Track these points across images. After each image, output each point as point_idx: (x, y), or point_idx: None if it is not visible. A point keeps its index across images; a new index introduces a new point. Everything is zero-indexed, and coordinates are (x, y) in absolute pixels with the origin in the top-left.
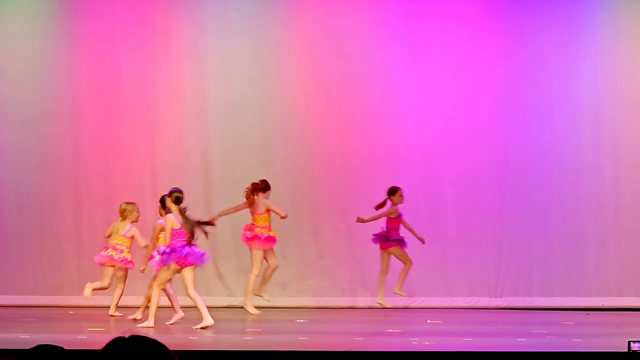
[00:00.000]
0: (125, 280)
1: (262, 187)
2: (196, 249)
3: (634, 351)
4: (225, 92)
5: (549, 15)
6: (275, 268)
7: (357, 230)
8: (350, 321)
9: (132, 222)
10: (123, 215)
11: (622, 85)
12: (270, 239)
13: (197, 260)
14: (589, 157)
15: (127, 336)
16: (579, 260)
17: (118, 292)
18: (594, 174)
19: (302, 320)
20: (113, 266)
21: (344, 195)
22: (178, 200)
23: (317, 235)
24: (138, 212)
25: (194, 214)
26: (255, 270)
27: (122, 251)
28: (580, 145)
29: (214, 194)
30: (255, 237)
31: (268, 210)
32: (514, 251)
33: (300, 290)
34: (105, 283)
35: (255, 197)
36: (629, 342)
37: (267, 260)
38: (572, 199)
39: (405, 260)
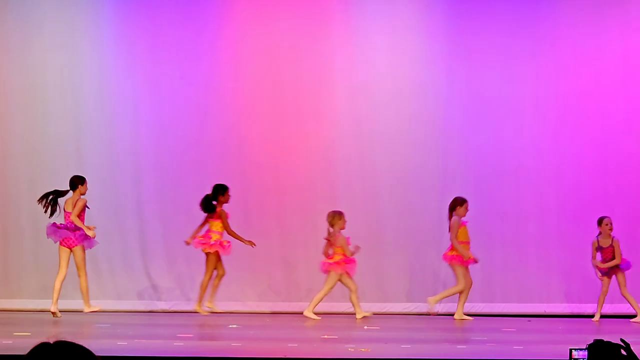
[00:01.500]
0: None
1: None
2: None
3: (576, 359)
4: (157, 91)
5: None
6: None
7: (291, 233)
8: (284, 327)
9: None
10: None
11: (564, 89)
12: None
13: None
14: (529, 161)
15: (52, 342)
16: (520, 266)
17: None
18: (533, 178)
19: (234, 326)
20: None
21: (276, 197)
22: None
23: (250, 238)
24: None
25: (125, 217)
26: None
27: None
28: (519, 149)
29: (145, 194)
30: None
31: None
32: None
33: (233, 295)
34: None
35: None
36: (571, 350)
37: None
38: (513, 204)
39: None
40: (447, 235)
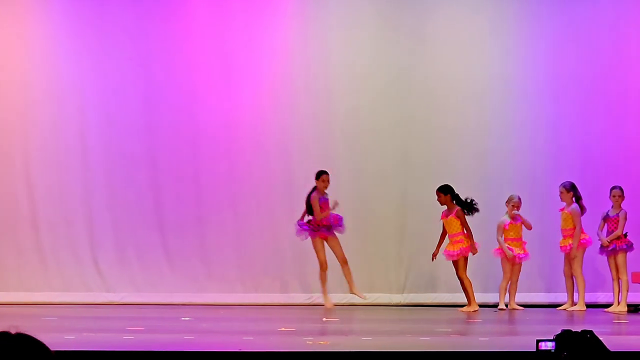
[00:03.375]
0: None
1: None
2: None
3: (543, 350)
4: (104, 73)
5: None
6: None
7: (246, 223)
8: (240, 319)
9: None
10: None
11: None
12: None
13: None
14: (493, 143)
15: (12, 332)
16: (486, 255)
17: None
18: (498, 162)
19: (187, 318)
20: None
21: (231, 187)
22: None
23: (203, 229)
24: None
25: (72, 204)
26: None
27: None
28: (483, 132)
29: (93, 181)
30: None
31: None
32: (417, 245)
33: (186, 287)
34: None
35: None
36: (537, 341)
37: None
38: (478, 189)
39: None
40: (410, 222)
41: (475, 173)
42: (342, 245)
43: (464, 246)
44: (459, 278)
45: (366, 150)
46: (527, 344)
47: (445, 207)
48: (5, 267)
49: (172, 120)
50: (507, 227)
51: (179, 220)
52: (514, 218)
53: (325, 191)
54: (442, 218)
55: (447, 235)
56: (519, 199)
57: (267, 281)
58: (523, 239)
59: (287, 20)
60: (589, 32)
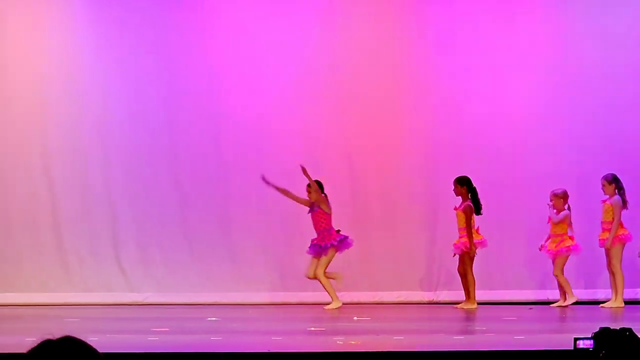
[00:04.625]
0: None
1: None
2: None
3: (581, 348)
4: (126, 70)
5: None
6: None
7: (272, 220)
8: (268, 319)
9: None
10: None
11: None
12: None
13: None
14: (528, 136)
15: (55, 338)
16: (521, 250)
17: None
18: (531, 157)
19: (214, 318)
20: None
21: (255, 183)
22: None
23: (228, 226)
24: None
25: (93, 203)
26: None
27: None
28: (516, 126)
29: (114, 179)
30: None
31: None
32: (449, 242)
33: (212, 286)
34: None
35: None
36: (575, 339)
37: None
38: (510, 186)
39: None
40: (441, 219)
41: (512, 168)
42: (372, 242)
43: (466, 241)
44: (459, 272)
45: (396, 146)
46: (564, 342)
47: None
48: (26, 268)
49: (195, 116)
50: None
51: (203, 218)
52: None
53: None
54: (454, 209)
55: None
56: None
57: (295, 279)
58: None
59: (312, 14)
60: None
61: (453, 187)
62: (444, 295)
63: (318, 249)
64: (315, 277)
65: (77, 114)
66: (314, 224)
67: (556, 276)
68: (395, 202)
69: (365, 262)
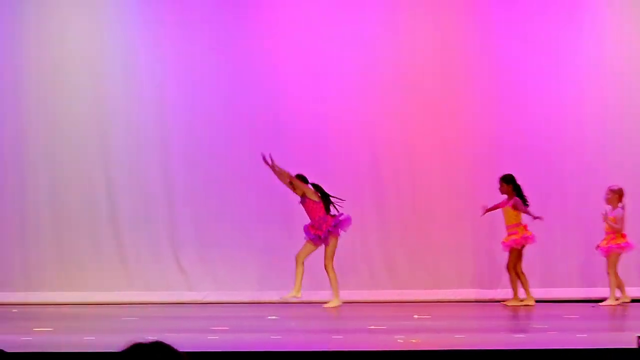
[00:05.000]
0: None
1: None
2: None
3: None
4: (187, 68)
5: None
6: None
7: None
8: (327, 317)
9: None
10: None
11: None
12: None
13: None
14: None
15: (146, 342)
16: (583, 247)
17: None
18: (592, 156)
19: (273, 317)
20: None
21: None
22: None
23: (289, 224)
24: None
25: (153, 202)
26: None
27: None
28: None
29: (174, 178)
30: None
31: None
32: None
33: (271, 284)
34: None
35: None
36: (639, 337)
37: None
38: (575, 184)
39: None
40: (500, 215)
41: (576, 166)
42: (433, 239)
43: (517, 238)
44: (507, 269)
45: (457, 144)
46: (627, 341)
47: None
48: (85, 267)
49: (256, 115)
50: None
51: (263, 216)
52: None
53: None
54: (500, 206)
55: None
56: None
57: (355, 277)
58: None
59: (375, 12)
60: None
61: (499, 185)
62: (505, 293)
63: (317, 239)
64: (299, 261)
65: (136, 113)
66: (308, 214)
67: (608, 274)
68: (456, 199)
69: (426, 260)
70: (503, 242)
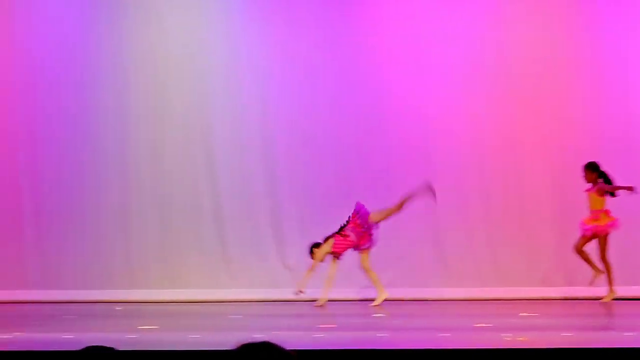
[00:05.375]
0: None
1: None
2: None
3: None
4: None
5: None
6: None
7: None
8: (433, 315)
9: None
10: None
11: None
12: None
13: None
14: None
15: (255, 342)
16: None
17: None
18: None
19: (379, 315)
20: None
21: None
22: None
23: (395, 221)
24: None
25: (256, 198)
26: None
27: None
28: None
29: (279, 187)
30: None
31: None
32: (624, 235)
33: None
34: None
35: None
36: None
37: None
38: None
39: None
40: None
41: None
42: (540, 238)
43: (601, 224)
44: (600, 259)
45: (564, 143)
46: None
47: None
48: (189, 264)
49: (359, 114)
50: None
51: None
52: None
53: None
54: (586, 190)
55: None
56: None
57: (461, 274)
58: None
59: (480, 10)
60: None
61: (583, 173)
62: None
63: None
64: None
65: (239, 111)
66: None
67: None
68: (564, 198)
69: (533, 258)
70: (583, 223)
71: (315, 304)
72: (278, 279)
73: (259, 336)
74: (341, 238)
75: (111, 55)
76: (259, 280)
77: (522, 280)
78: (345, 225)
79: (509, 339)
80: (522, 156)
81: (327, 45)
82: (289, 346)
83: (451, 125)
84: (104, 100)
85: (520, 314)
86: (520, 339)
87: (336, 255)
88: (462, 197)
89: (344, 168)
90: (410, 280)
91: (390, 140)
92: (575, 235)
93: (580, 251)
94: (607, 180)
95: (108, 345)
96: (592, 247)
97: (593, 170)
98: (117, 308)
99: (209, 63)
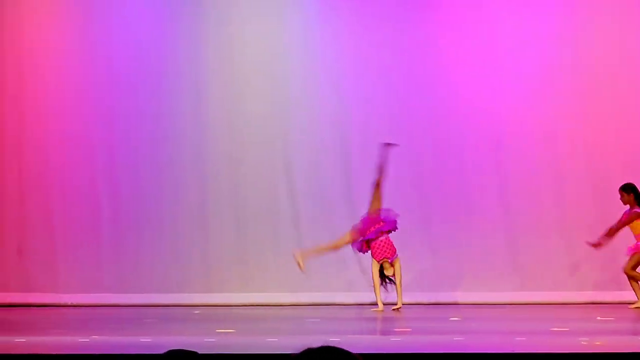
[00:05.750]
0: None
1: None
2: None
3: None
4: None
5: None
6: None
7: (517, 216)
8: (509, 319)
9: None
10: None
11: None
12: None
13: None
14: None
15: (315, 347)
16: None
17: None
18: None
19: (455, 319)
20: None
21: (497, 180)
22: None
23: (469, 223)
24: None
25: (333, 201)
26: None
27: None
28: None
29: (354, 189)
30: None
31: None
32: None
33: (451, 285)
34: None
35: None
36: None
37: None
38: None
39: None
40: None
41: None
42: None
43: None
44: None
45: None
46: None
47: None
48: (267, 268)
49: (431, 116)
50: None
51: (441, 215)
52: None
53: None
54: (623, 218)
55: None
56: None
57: (537, 279)
58: None
59: (550, 9)
60: None
61: (620, 196)
62: None
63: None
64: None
65: (315, 113)
66: None
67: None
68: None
69: (612, 262)
70: (629, 248)
71: (392, 308)
72: (354, 282)
73: (334, 339)
74: (377, 244)
75: (188, 59)
76: (336, 284)
77: (598, 284)
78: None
79: (585, 343)
80: (597, 157)
81: (399, 47)
82: (365, 350)
83: (520, 126)
84: (182, 105)
85: (597, 318)
86: (597, 343)
87: (385, 261)
88: (536, 200)
89: (416, 170)
90: (485, 285)
91: (461, 143)
92: None
93: (631, 273)
94: None
95: (189, 349)
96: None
97: (629, 192)
98: (196, 312)
99: (285, 66)
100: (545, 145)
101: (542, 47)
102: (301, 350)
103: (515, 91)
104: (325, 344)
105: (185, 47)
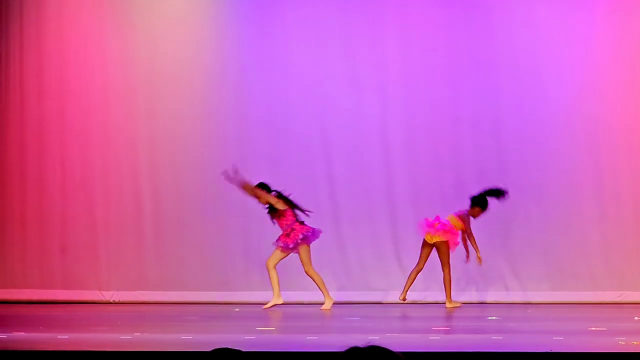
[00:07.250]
0: None
1: None
2: None
3: None
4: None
5: None
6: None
7: (551, 216)
8: (547, 318)
9: None
10: None
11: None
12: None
13: None
14: None
15: (363, 346)
16: None
17: None
18: None
19: (493, 318)
20: None
21: (535, 178)
22: None
23: (508, 223)
24: None
25: (374, 200)
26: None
27: None
28: None
29: (396, 189)
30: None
31: None
32: None
33: (492, 284)
34: None
35: None
36: None
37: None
38: None
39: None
40: None
41: None
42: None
43: None
44: None
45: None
46: None
47: None
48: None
49: (477, 114)
50: None
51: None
52: None
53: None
54: None
55: None
56: None
57: (575, 279)
58: None
59: (595, 10)
60: None
61: None
62: None
63: (288, 248)
64: (269, 268)
65: (357, 112)
66: (277, 223)
67: None
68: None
69: None
70: None
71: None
72: (394, 281)
73: (374, 338)
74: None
75: (230, 58)
76: (376, 283)
77: (636, 284)
78: None
79: (623, 342)
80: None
81: (441, 49)
82: (404, 348)
83: (566, 126)
84: (225, 104)
85: (635, 318)
86: (635, 342)
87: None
88: (576, 200)
89: (459, 171)
90: (523, 284)
91: (505, 143)
92: None
93: None
94: None
95: (231, 347)
96: None
97: None
98: (236, 310)
99: (327, 67)
100: (586, 143)
101: (588, 46)
102: (341, 349)
103: (560, 91)
104: (369, 344)
105: (227, 48)
